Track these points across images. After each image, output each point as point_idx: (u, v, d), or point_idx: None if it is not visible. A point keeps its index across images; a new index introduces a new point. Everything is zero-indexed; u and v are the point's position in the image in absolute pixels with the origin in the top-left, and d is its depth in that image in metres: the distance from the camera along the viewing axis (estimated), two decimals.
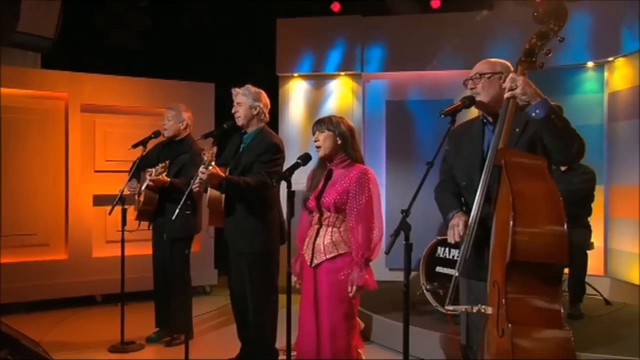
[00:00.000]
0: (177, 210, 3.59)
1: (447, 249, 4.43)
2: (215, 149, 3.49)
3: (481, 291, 2.42)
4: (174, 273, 4.40)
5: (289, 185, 2.87)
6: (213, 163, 3.44)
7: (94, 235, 5.89)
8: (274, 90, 6.46)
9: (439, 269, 4.46)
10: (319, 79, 6.66)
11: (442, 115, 2.49)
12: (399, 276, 5.76)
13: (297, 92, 6.71)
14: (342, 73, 6.55)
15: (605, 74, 5.80)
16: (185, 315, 4.27)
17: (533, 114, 2.28)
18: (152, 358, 4.26)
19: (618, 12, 5.27)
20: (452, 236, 2.47)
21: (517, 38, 5.90)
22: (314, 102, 6.67)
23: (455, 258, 4.34)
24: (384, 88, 6.56)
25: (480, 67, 2.64)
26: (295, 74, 6.65)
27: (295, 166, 2.96)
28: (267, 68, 6.61)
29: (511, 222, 2.07)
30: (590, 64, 5.79)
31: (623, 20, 5.25)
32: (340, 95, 6.60)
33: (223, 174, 3.53)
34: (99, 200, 5.84)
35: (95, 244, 5.88)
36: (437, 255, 4.49)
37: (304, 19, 6.57)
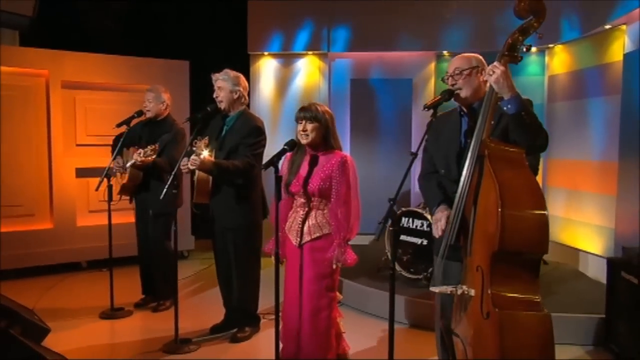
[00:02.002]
0: (165, 189, 3.47)
1: (410, 219, 4.44)
2: (206, 140, 3.37)
3: (454, 270, 2.42)
4: (158, 245, 4.28)
5: (277, 171, 2.77)
6: (206, 152, 3.31)
7: (78, 205, 5.64)
8: (245, 68, 6.27)
9: (402, 237, 4.48)
10: (288, 58, 6.46)
11: (425, 109, 2.41)
12: (363, 240, 5.86)
13: (267, 69, 6.51)
14: (310, 52, 6.37)
15: (546, 58, 5.86)
16: (171, 283, 4.19)
17: (505, 108, 2.22)
18: (141, 323, 4.14)
19: (559, 4, 5.29)
20: (435, 230, 2.42)
21: (470, 23, 5.91)
22: (283, 80, 6.50)
23: (418, 228, 4.37)
24: (349, 67, 6.42)
25: (458, 62, 2.53)
26: (266, 53, 6.43)
27: (281, 152, 2.85)
28: (239, 47, 6.36)
29: (499, 213, 2.02)
30: (533, 49, 5.81)
31: (563, 11, 5.27)
32: (308, 73, 6.45)
33: (213, 161, 3.40)
34: (81, 173, 5.61)
35: (79, 214, 5.64)
36: (401, 224, 4.50)
37: (274, 1, 6.30)
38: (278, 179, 2.75)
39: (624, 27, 4.62)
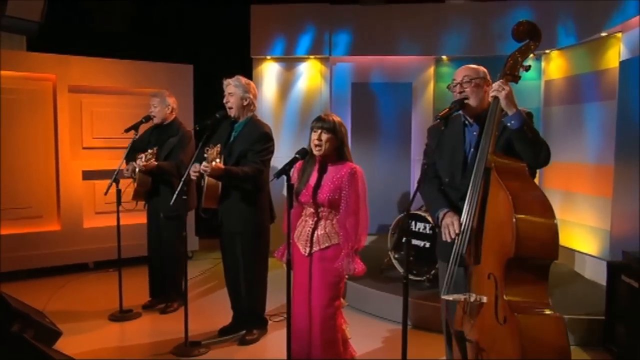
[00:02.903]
0: (175, 196, 3.44)
1: (413, 222, 4.42)
2: (219, 147, 3.33)
3: (459, 275, 2.40)
4: (169, 247, 4.24)
5: (289, 179, 2.74)
6: (218, 160, 3.27)
7: (85, 207, 5.59)
8: (248, 71, 6.22)
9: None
10: (290, 62, 6.41)
11: (438, 120, 2.40)
12: (366, 240, 5.84)
13: (269, 73, 6.46)
14: (312, 56, 6.32)
15: (543, 64, 5.85)
16: (179, 286, 4.16)
17: (508, 124, 2.28)
18: (150, 325, 4.10)
19: (555, 11, 5.28)
20: (447, 235, 2.39)
21: (468, 29, 5.88)
22: (286, 83, 6.45)
23: (420, 231, 4.36)
24: (350, 71, 6.38)
25: (466, 72, 2.55)
26: (268, 57, 6.37)
27: (293, 161, 2.80)
28: (242, 51, 6.31)
29: (514, 221, 2.02)
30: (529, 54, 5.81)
31: (559, 18, 5.26)
32: (310, 76, 6.41)
33: (223, 167, 3.37)
34: (88, 175, 5.57)
35: (85, 216, 5.59)
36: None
37: (277, 6, 6.25)
38: (290, 187, 2.72)
39: (619, 34, 4.61)
